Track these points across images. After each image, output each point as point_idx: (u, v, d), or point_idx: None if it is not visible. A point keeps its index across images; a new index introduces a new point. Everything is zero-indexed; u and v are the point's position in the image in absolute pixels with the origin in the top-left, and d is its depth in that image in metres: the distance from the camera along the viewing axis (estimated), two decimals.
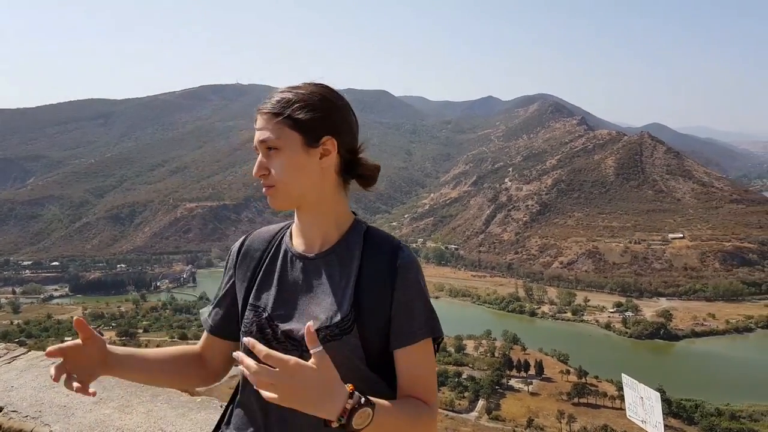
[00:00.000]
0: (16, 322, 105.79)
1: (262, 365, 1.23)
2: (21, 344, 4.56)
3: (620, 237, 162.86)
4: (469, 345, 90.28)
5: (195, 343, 1.77)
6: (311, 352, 1.26)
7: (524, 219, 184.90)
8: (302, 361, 1.26)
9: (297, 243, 1.63)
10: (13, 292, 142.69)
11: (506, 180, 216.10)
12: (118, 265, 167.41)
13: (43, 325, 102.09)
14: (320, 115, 1.50)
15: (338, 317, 1.49)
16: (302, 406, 1.26)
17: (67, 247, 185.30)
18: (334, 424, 1.28)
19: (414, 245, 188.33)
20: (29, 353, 3.90)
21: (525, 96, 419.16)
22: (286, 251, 1.63)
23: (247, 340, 1.28)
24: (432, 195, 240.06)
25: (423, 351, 1.53)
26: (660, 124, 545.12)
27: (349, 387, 1.30)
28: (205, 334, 1.73)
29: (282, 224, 1.73)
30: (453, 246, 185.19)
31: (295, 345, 1.48)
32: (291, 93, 1.52)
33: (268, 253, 1.65)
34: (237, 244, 1.73)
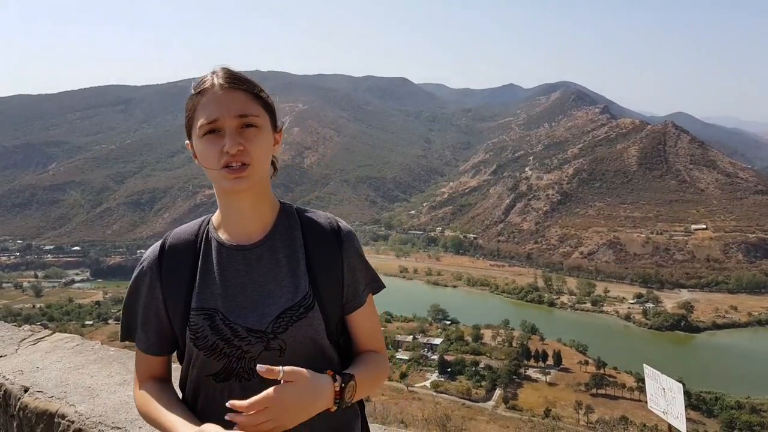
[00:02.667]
0: (38, 305, 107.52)
1: (251, 416, 1.26)
2: (44, 327, 4.48)
3: (642, 227, 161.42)
4: (487, 334, 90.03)
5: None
6: (279, 377, 1.29)
7: (544, 208, 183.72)
8: (281, 385, 1.30)
9: (230, 235, 1.56)
10: (36, 276, 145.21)
11: (527, 169, 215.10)
12: (138, 251, 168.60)
13: (64, 309, 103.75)
14: (273, 103, 1.57)
15: (299, 296, 1.50)
16: (306, 416, 1.35)
17: (88, 232, 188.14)
18: (333, 409, 1.40)
19: (432, 234, 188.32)
20: (54, 335, 3.88)
21: (547, 84, 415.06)
22: (219, 246, 1.55)
23: (231, 403, 1.26)
24: (451, 183, 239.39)
25: (371, 305, 1.68)
26: (685, 114, 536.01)
27: (328, 373, 1.42)
28: (144, 359, 1.62)
29: (198, 221, 1.67)
30: (472, 235, 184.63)
31: (258, 337, 1.46)
32: (247, 76, 1.52)
33: (199, 252, 1.57)
34: (151, 254, 1.62)
